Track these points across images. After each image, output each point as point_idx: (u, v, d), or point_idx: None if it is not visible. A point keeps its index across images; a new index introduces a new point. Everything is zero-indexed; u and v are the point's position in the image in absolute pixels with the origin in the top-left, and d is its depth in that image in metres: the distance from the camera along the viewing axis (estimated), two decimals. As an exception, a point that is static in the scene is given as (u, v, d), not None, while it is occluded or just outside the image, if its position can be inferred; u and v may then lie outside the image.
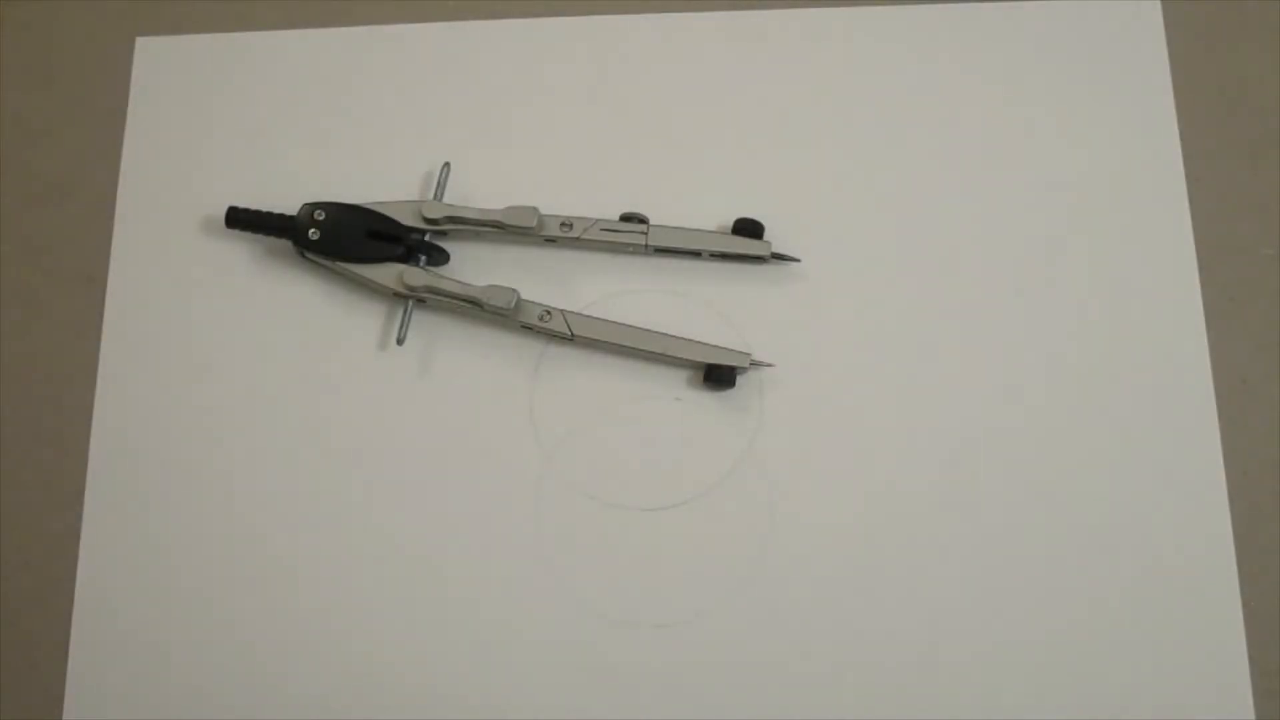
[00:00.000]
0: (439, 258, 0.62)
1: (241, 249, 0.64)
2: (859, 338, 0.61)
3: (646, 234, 0.62)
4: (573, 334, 0.61)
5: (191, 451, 0.61)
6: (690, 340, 0.61)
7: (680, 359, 0.61)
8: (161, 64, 0.66)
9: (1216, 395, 0.60)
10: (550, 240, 0.63)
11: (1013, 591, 0.58)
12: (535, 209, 0.61)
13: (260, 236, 0.63)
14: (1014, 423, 0.60)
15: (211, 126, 0.65)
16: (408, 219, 0.62)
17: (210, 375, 0.62)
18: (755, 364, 0.60)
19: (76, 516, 0.61)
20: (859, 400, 0.60)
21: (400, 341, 0.61)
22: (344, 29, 0.66)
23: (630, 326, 0.61)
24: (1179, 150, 0.63)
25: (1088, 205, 0.62)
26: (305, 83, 0.66)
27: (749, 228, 0.62)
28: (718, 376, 0.60)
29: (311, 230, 0.61)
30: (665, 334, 0.61)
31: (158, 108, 0.66)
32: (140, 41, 0.67)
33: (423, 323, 0.62)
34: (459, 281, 0.61)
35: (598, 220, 0.62)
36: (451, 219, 0.62)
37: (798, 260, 0.62)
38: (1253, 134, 0.63)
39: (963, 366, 0.61)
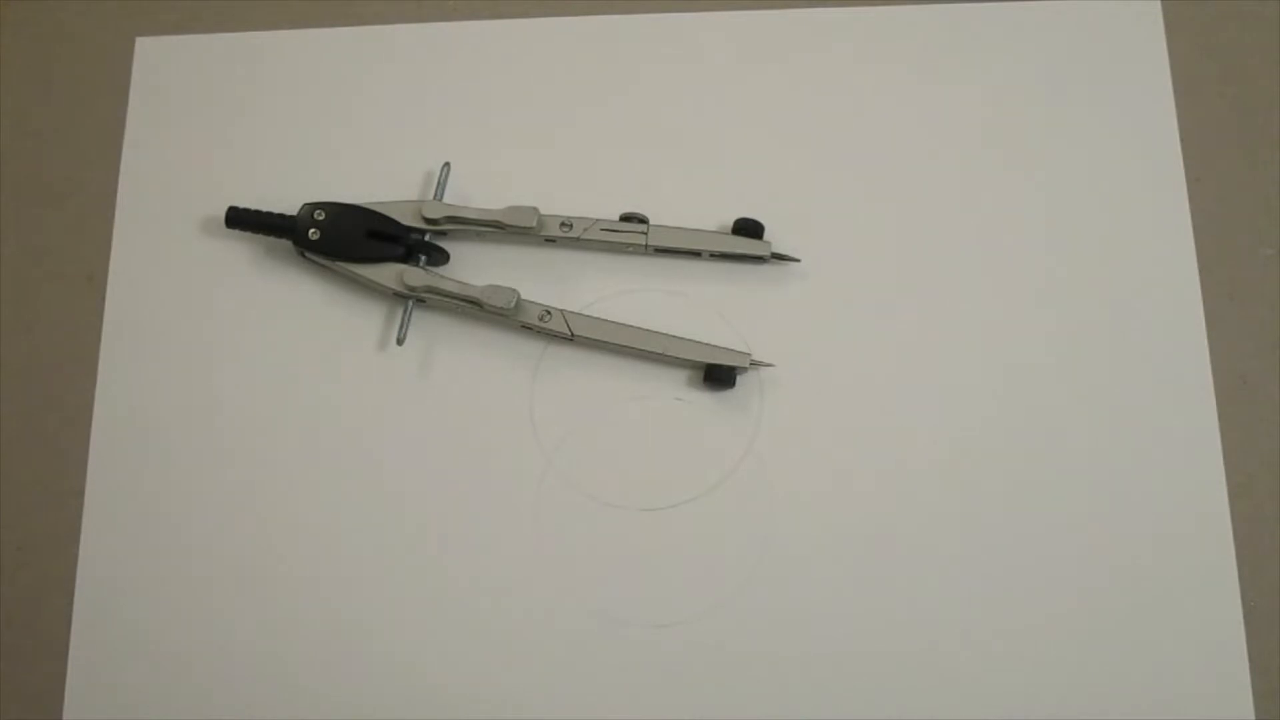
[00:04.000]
0: (439, 258, 0.62)
1: (241, 249, 0.64)
2: (859, 338, 0.61)
3: (646, 234, 0.62)
4: (573, 334, 0.61)
5: (191, 451, 0.61)
6: (690, 340, 0.61)
7: (680, 359, 0.61)
8: (161, 64, 0.66)
9: (1216, 395, 0.60)
10: (550, 240, 0.63)
11: (1013, 591, 0.58)
12: (535, 209, 0.61)
13: (260, 236, 0.63)
14: (1014, 423, 0.60)
15: (211, 126, 0.65)
16: (408, 219, 0.62)
17: (210, 375, 0.62)
18: (755, 364, 0.60)
19: (76, 516, 0.61)
20: (859, 400, 0.60)
21: (400, 341, 0.61)
22: (344, 29, 0.66)
23: (630, 326, 0.61)
24: (1179, 150, 0.63)
25: (1088, 205, 0.62)
26: (305, 83, 0.66)
27: (749, 228, 0.62)
28: (718, 376, 0.60)
29: (311, 230, 0.61)
30: (665, 334, 0.61)
31: (158, 108, 0.66)
32: (140, 41, 0.67)
33: (423, 323, 0.62)
34: (459, 281, 0.61)
35: (598, 220, 0.62)
36: (451, 219, 0.62)
37: (798, 260, 0.62)
38: (1253, 134, 0.63)
39: (962, 366, 0.61)
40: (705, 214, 0.63)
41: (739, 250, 0.62)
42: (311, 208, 0.62)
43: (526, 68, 0.65)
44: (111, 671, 0.59)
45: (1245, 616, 0.57)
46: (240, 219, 0.62)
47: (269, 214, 0.62)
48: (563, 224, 0.62)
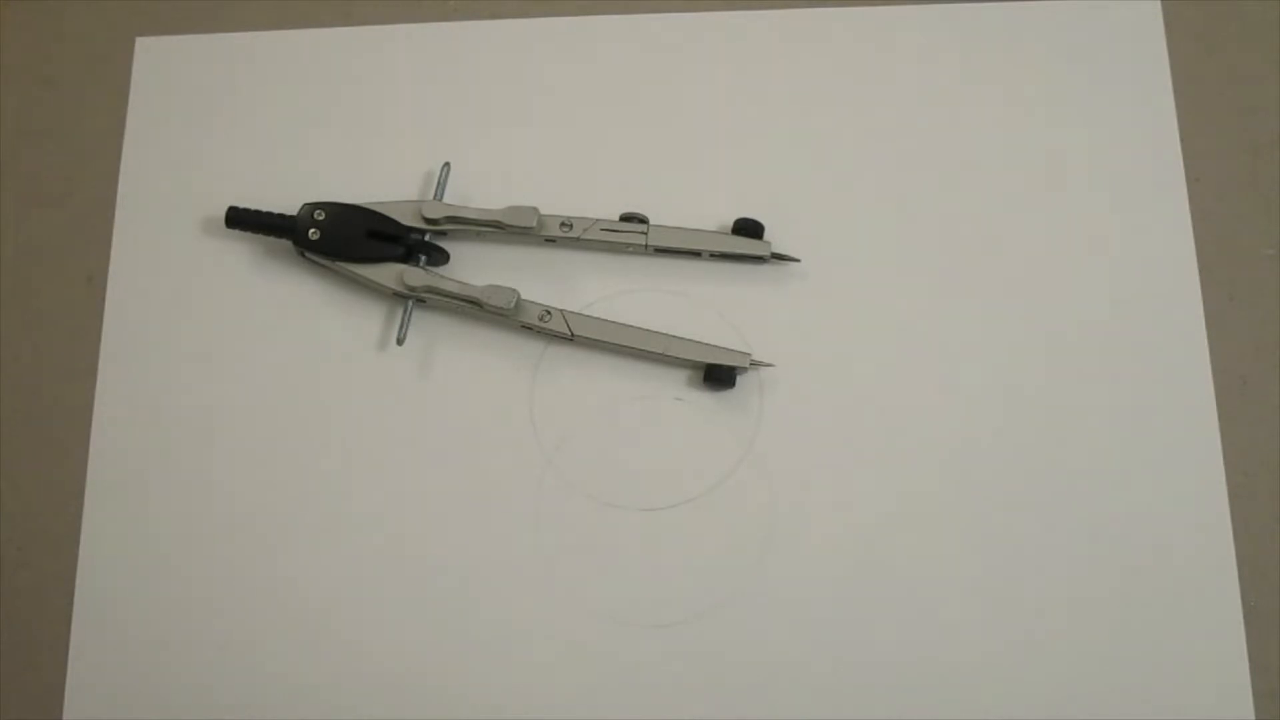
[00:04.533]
0: (439, 258, 0.62)
1: (241, 249, 0.64)
2: (859, 338, 0.61)
3: (646, 234, 0.62)
4: (573, 334, 0.61)
5: (191, 451, 0.61)
6: (690, 340, 0.61)
7: (680, 359, 0.61)
8: (161, 64, 0.66)
9: (1216, 395, 0.60)
10: (550, 240, 0.63)
11: (1012, 592, 0.58)
12: (535, 209, 0.61)
13: (260, 236, 0.63)
14: (1014, 423, 0.60)
15: (211, 126, 0.65)
16: (408, 219, 0.62)
17: (210, 375, 0.62)
18: (755, 364, 0.60)
19: (76, 516, 0.61)
20: (859, 400, 0.60)
21: (400, 341, 0.61)
22: (344, 29, 0.66)
23: (630, 326, 0.61)
24: (1179, 150, 0.63)
25: (1088, 205, 0.62)
26: (305, 83, 0.66)
27: (749, 228, 0.62)
28: (718, 376, 0.60)
29: (311, 230, 0.61)
30: (665, 334, 0.61)
31: (158, 108, 0.66)
32: (140, 41, 0.67)
33: (423, 323, 0.62)
34: (459, 281, 0.61)
35: (598, 220, 0.62)
36: (451, 219, 0.62)
37: (798, 260, 0.62)
38: (1253, 134, 0.63)
39: (962, 366, 0.61)
40: (705, 214, 0.63)
41: (739, 250, 0.62)
42: (311, 208, 0.62)
43: (526, 68, 0.65)
44: (111, 671, 0.59)
45: (1245, 616, 0.57)
46: (240, 219, 0.62)
47: (269, 214, 0.62)
48: (563, 224, 0.62)
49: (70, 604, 0.60)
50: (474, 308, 0.61)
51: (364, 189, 0.63)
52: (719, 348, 0.60)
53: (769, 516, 0.59)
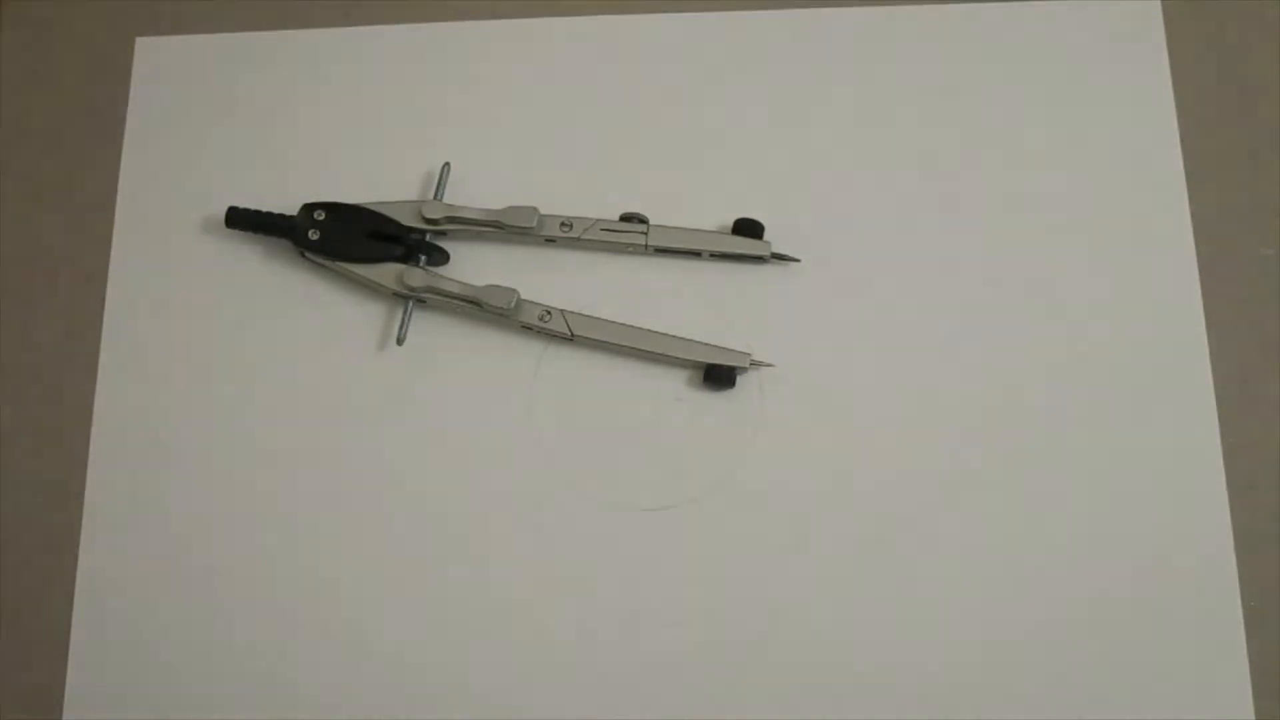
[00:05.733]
0: (439, 258, 0.62)
1: (241, 249, 0.64)
2: (859, 337, 0.61)
3: (646, 234, 0.62)
4: (573, 334, 0.61)
5: (191, 452, 0.61)
6: (690, 340, 0.61)
7: (680, 359, 0.61)
8: (161, 64, 0.66)
9: (1216, 395, 0.60)
10: (550, 240, 0.63)
11: (1012, 591, 0.58)
12: (535, 209, 0.61)
13: (260, 236, 0.63)
14: (1014, 423, 0.60)
15: (211, 126, 0.65)
16: (408, 219, 0.62)
17: (210, 375, 0.62)
18: (755, 364, 0.60)
19: (76, 516, 0.61)
20: (859, 400, 0.60)
21: (400, 341, 0.61)
22: (343, 29, 0.66)
23: (630, 326, 0.61)
24: (1179, 150, 0.63)
25: (1088, 205, 0.62)
26: (305, 83, 0.66)
27: (749, 228, 0.62)
28: (718, 376, 0.60)
29: (311, 230, 0.61)
30: (665, 334, 0.61)
31: (158, 108, 0.66)
32: (140, 41, 0.67)
33: (423, 323, 0.62)
34: (459, 281, 0.61)
35: (598, 220, 0.62)
36: (451, 219, 0.62)
37: (798, 260, 0.62)
38: (1253, 134, 0.63)
39: (962, 366, 0.61)
40: (705, 214, 0.63)
41: (739, 250, 0.62)
42: (311, 208, 0.62)
43: (526, 68, 0.66)
44: (111, 671, 0.59)
45: (1245, 616, 0.57)
46: (240, 219, 0.62)
47: (269, 214, 0.62)
48: (563, 224, 0.62)
49: (70, 604, 0.60)
50: (474, 308, 0.61)
51: (364, 189, 0.63)
52: (719, 348, 0.60)
53: (769, 516, 0.59)
